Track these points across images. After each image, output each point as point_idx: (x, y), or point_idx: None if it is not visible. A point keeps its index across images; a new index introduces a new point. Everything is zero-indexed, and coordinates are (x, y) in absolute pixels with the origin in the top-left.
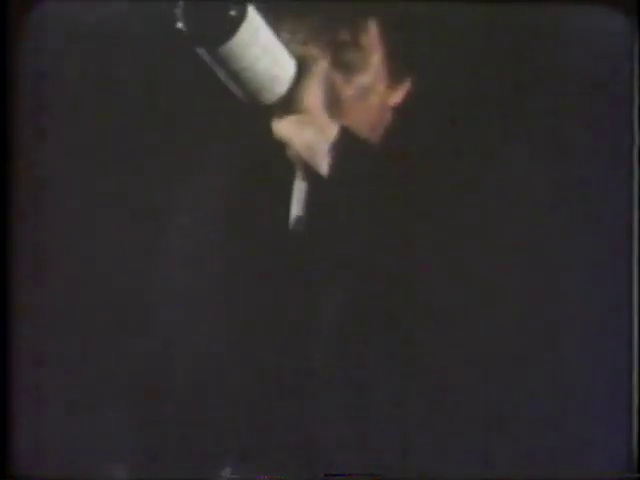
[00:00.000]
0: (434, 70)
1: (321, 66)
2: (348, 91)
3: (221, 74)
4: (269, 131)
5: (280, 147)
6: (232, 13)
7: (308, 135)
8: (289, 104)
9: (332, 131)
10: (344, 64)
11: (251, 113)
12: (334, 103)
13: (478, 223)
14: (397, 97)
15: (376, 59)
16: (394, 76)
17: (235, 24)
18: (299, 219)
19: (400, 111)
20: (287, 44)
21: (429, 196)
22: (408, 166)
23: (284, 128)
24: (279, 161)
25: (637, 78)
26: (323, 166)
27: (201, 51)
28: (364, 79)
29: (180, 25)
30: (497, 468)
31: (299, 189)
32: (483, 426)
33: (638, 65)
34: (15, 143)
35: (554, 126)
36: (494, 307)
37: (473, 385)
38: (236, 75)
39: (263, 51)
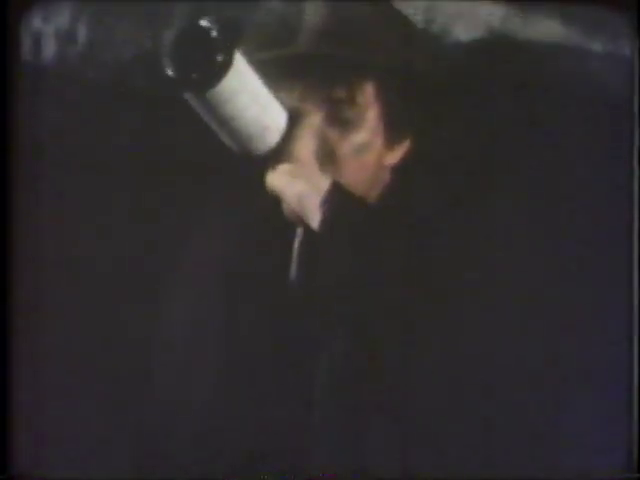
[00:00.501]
0: (432, 128)
1: (315, 119)
2: (343, 148)
3: (211, 122)
4: (264, 185)
5: (279, 203)
6: (219, 58)
7: (299, 187)
8: (280, 154)
9: (324, 184)
10: (339, 120)
11: (250, 169)
12: (328, 159)
13: (477, 278)
14: (395, 157)
15: (372, 117)
16: (392, 135)
17: (222, 70)
18: (298, 275)
19: (397, 169)
20: (283, 100)
21: (424, 252)
22: (403, 222)
23: (275, 179)
24: (279, 218)
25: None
26: (315, 219)
27: (189, 97)
28: (360, 136)
29: (167, 69)
30: (497, 468)
31: (297, 247)
32: (483, 426)
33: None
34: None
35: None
36: (494, 309)
37: (473, 386)
38: (226, 123)
39: (252, 99)
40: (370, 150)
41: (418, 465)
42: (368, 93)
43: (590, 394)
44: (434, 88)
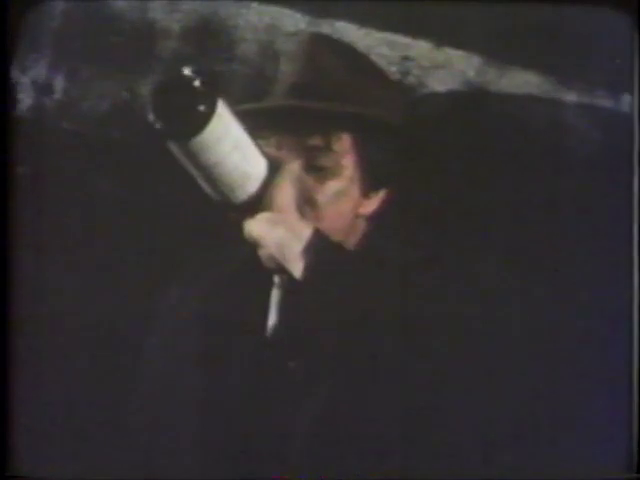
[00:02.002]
0: (408, 178)
1: (293, 167)
2: (321, 195)
3: (192, 169)
4: (243, 233)
5: (256, 253)
6: (202, 107)
7: (279, 234)
8: (260, 202)
9: (305, 232)
10: (317, 168)
11: (229, 217)
12: (307, 206)
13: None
14: (371, 206)
15: (349, 165)
16: (368, 184)
17: (204, 118)
18: (276, 325)
19: (374, 217)
20: (261, 148)
21: (405, 297)
22: (383, 269)
23: (255, 227)
24: (256, 267)
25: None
26: (296, 268)
27: (171, 145)
28: (337, 184)
29: (150, 119)
30: (497, 468)
31: (276, 295)
32: (483, 426)
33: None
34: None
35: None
36: (494, 312)
37: (473, 386)
38: (207, 171)
39: (233, 147)
40: (347, 197)
41: (418, 465)
42: (344, 142)
43: (590, 394)
44: (410, 138)
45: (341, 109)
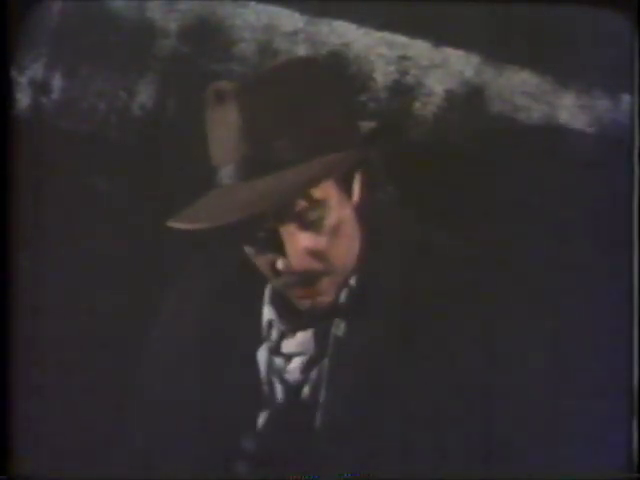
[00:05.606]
0: (407, 179)
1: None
2: (323, 240)
3: None
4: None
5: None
6: None
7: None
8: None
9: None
10: (310, 222)
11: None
12: (318, 256)
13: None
14: (356, 193)
15: (334, 193)
16: (346, 184)
17: None
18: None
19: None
20: (256, 231)
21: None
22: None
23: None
24: (249, 276)
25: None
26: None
27: None
28: (333, 217)
29: None
30: (497, 468)
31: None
32: (483, 426)
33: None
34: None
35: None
36: (493, 313)
37: (473, 385)
38: None
39: None
40: (345, 217)
41: (418, 465)
42: (323, 187)
43: (590, 395)
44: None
45: (319, 172)
